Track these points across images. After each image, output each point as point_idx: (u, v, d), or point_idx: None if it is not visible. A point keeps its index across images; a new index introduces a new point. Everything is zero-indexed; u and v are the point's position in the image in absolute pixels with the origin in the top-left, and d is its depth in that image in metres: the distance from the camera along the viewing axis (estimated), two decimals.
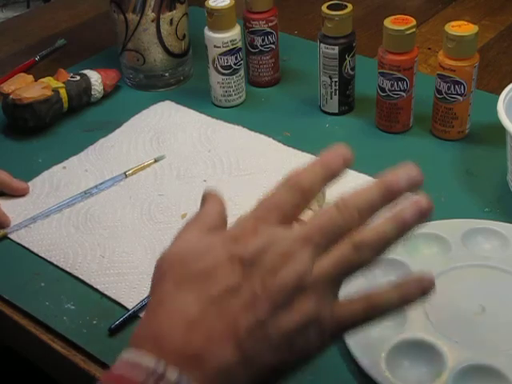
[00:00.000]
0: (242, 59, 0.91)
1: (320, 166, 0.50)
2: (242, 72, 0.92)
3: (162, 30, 0.94)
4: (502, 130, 0.72)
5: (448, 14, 1.13)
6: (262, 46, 0.94)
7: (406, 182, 0.47)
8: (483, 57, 0.88)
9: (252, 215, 0.47)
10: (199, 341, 0.43)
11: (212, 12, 0.87)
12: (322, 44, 0.86)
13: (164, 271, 0.47)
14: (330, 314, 0.45)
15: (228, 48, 0.89)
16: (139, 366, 0.43)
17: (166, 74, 0.98)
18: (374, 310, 0.47)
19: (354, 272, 0.47)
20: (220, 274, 0.44)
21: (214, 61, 0.90)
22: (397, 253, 0.67)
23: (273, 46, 0.94)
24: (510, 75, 0.97)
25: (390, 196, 0.47)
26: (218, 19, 0.88)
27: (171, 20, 0.94)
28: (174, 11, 0.94)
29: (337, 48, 0.85)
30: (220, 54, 0.89)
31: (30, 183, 0.82)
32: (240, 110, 0.94)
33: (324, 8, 0.85)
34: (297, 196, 0.48)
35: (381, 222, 0.47)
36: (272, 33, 0.93)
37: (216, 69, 0.91)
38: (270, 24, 0.93)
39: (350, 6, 0.85)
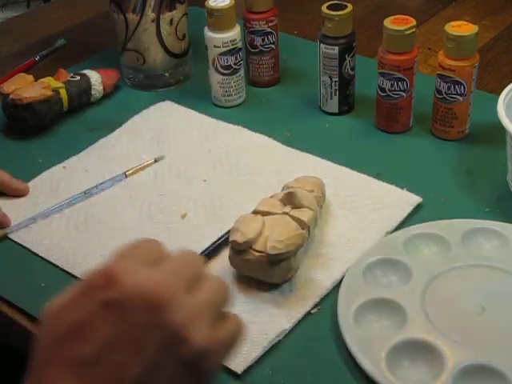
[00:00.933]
0: (242, 59, 0.91)
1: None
2: (242, 72, 0.92)
3: (162, 30, 0.94)
4: (502, 130, 0.72)
5: (448, 13, 1.13)
6: (261, 45, 0.94)
7: None
8: (483, 57, 0.88)
9: (114, 261, 0.45)
10: None
11: (212, 12, 0.87)
12: (322, 44, 0.86)
13: (38, 336, 0.42)
14: (212, 345, 0.43)
15: (228, 48, 0.89)
16: None
17: (166, 74, 0.98)
18: None
19: None
20: (92, 327, 0.41)
21: (214, 61, 0.90)
22: (397, 253, 0.68)
23: (273, 45, 0.94)
24: (510, 75, 0.97)
25: None
26: (218, 19, 0.88)
27: (171, 20, 0.94)
28: (174, 11, 0.94)
29: (337, 48, 0.85)
30: (220, 54, 0.89)
31: (29, 183, 0.82)
32: (240, 109, 0.94)
33: (324, 8, 0.85)
34: (157, 245, 0.47)
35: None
36: (272, 33, 0.93)
37: (216, 69, 0.91)
38: (270, 24, 0.93)
39: (350, 6, 0.85)
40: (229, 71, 0.91)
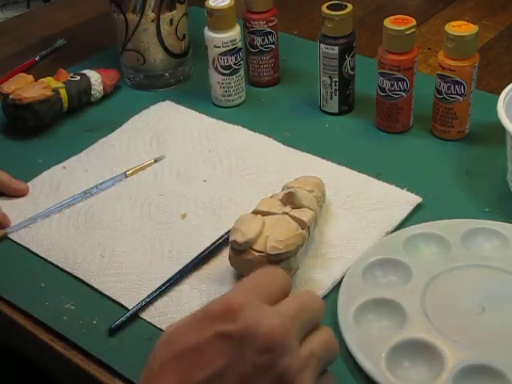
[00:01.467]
0: (242, 59, 0.91)
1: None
2: (242, 72, 0.92)
3: (162, 30, 0.94)
4: (502, 130, 0.72)
5: (448, 13, 1.13)
6: (261, 45, 0.94)
7: None
8: (483, 57, 0.88)
9: (235, 293, 0.46)
10: None
11: (212, 12, 0.87)
12: (322, 44, 0.86)
13: (154, 350, 0.45)
14: None
15: (228, 48, 0.89)
16: None
17: (166, 74, 0.98)
18: None
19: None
20: (207, 355, 0.43)
21: (214, 61, 0.90)
22: (397, 253, 0.68)
23: (273, 45, 0.94)
24: (510, 75, 0.97)
25: None
26: (218, 19, 0.88)
27: (171, 20, 0.94)
28: (174, 11, 0.94)
29: (337, 48, 0.85)
30: (220, 54, 0.89)
31: (29, 183, 0.82)
32: (240, 109, 0.94)
33: (324, 8, 0.85)
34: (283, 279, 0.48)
35: None
36: (272, 33, 0.93)
37: (216, 69, 0.91)
38: (270, 24, 0.92)
39: (350, 6, 0.85)
40: (229, 71, 0.91)
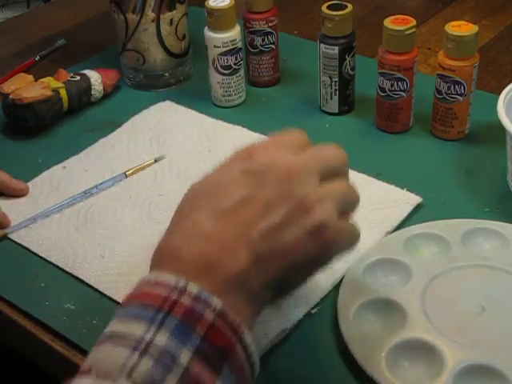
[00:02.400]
0: (242, 59, 0.91)
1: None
2: (242, 72, 0.92)
3: (162, 30, 0.94)
4: (502, 130, 0.72)
5: (448, 13, 1.13)
6: (261, 45, 0.94)
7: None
8: (483, 57, 0.88)
9: (259, 143, 0.52)
10: (213, 250, 0.46)
11: (212, 12, 0.87)
12: (321, 44, 0.86)
13: (183, 200, 0.51)
14: (334, 223, 0.49)
15: (228, 48, 0.89)
16: (160, 283, 0.45)
17: (166, 74, 0.98)
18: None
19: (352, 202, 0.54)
20: (232, 187, 0.48)
21: (214, 61, 0.90)
22: (397, 253, 0.68)
23: (273, 45, 0.94)
24: (510, 75, 0.97)
25: None
26: (218, 19, 0.88)
27: (171, 20, 0.94)
28: (174, 11, 0.94)
29: (337, 48, 0.85)
30: (220, 54, 0.89)
31: (29, 183, 0.82)
32: (240, 109, 0.94)
33: (324, 8, 0.85)
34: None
35: None
36: (272, 33, 0.93)
37: (216, 69, 0.91)
38: (270, 24, 0.92)
39: (350, 6, 0.85)
40: (229, 71, 0.91)
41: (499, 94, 0.75)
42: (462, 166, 0.81)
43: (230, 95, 0.93)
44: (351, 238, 0.52)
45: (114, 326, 0.45)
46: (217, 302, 0.44)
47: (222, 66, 0.90)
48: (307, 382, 0.59)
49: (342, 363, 0.60)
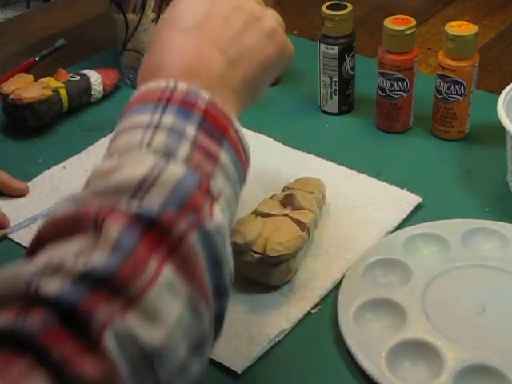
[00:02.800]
0: None
1: None
2: None
3: None
4: (502, 130, 0.72)
5: (448, 13, 1.13)
6: None
7: None
8: (483, 57, 0.88)
9: None
10: (191, 59, 0.52)
11: None
12: (322, 44, 0.86)
13: (154, 34, 0.56)
14: (282, 30, 0.59)
15: None
16: (151, 88, 0.51)
17: None
18: None
19: None
20: (192, 10, 0.55)
21: None
22: (397, 253, 0.68)
23: None
24: (510, 75, 0.97)
25: None
26: None
27: None
28: None
29: (337, 48, 0.85)
30: None
31: (29, 183, 0.82)
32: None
33: (324, 8, 0.85)
34: None
35: None
36: None
37: None
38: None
39: (350, 6, 0.85)
40: None
41: (499, 93, 0.75)
42: (462, 165, 0.81)
43: None
44: (292, 48, 0.59)
45: (120, 126, 0.51)
46: (205, 93, 0.50)
47: None
48: (307, 382, 0.59)
49: (342, 363, 0.60)
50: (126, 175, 0.44)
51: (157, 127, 0.47)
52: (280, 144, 0.85)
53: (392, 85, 0.83)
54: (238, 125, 0.53)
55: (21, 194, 0.80)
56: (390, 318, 0.62)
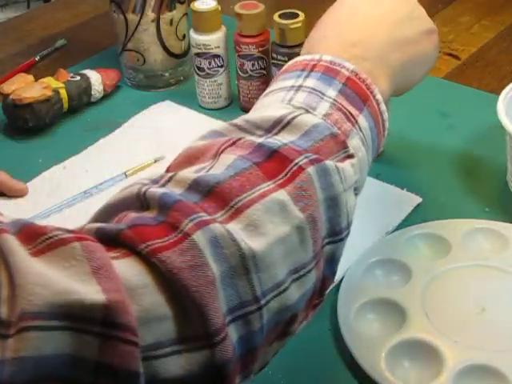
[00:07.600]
0: (220, 66, 0.89)
1: None
2: (220, 79, 0.90)
3: (161, 30, 0.94)
4: (501, 129, 0.72)
5: (448, 13, 1.13)
6: (252, 71, 0.88)
7: None
8: (483, 57, 0.88)
9: None
10: (358, 30, 0.57)
11: (194, 11, 0.88)
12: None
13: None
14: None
15: (201, 51, 0.89)
16: (300, 60, 0.54)
17: (166, 74, 0.98)
18: None
19: None
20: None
21: (192, 58, 0.91)
22: (397, 253, 0.68)
23: (264, 71, 0.88)
24: (510, 75, 0.97)
25: None
26: (196, 20, 0.88)
27: (171, 20, 0.94)
28: (174, 11, 0.93)
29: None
30: (195, 54, 0.90)
31: (29, 183, 0.82)
32: (240, 110, 0.94)
33: (276, 17, 0.83)
34: None
35: None
36: (263, 58, 0.87)
37: (194, 66, 0.91)
38: (261, 49, 0.86)
39: (302, 15, 0.83)
40: (203, 73, 0.90)
41: (499, 93, 0.75)
42: (461, 165, 0.81)
43: (203, 97, 0.92)
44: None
45: (264, 92, 0.54)
46: (349, 65, 0.53)
47: (196, 66, 0.90)
48: (307, 382, 0.59)
49: (342, 363, 0.60)
50: (265, 115, 0.49)
51: (299, 88, 0.51)
52: None
53: None
54: (380, 97, 0.54)
55: (19, 194, 0.80)
56: (390, 318, 0.62)
